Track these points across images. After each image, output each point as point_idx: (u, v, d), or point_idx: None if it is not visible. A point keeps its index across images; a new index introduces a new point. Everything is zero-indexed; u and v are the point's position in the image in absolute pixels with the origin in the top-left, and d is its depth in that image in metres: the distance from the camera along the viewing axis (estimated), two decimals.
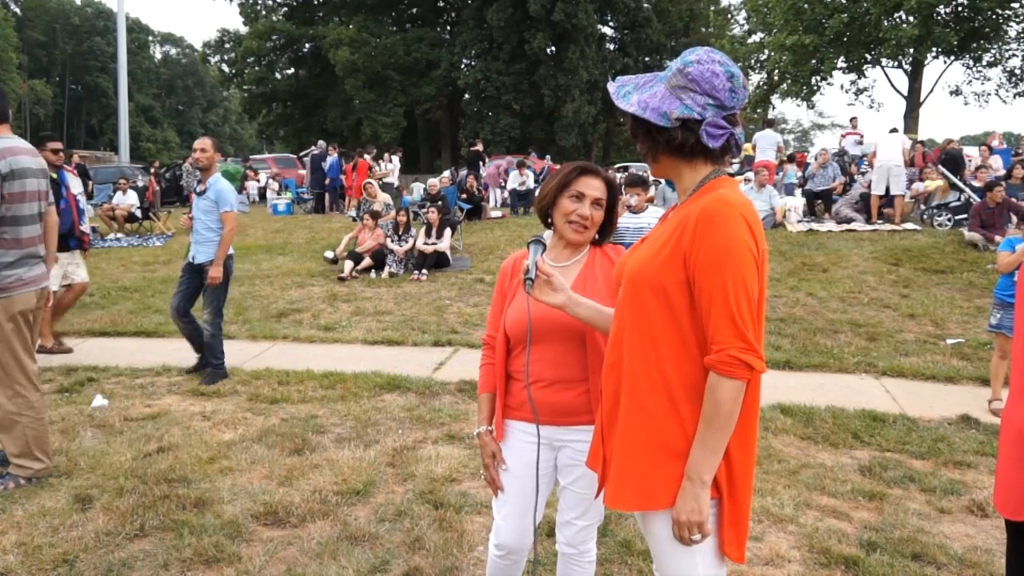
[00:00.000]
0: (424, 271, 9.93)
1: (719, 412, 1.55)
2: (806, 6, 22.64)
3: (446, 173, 19.37)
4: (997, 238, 9.46)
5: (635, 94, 1.70)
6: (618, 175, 23.69)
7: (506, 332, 2.23)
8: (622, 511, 1.67)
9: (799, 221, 12.44)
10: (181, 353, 5.84)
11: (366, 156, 17.53)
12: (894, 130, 13.48)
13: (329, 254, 11.06)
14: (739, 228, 1.55)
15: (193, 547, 3.15)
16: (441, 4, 40.66)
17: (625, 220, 5.80)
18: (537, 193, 2.37)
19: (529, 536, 2.27)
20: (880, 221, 12.12)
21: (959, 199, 11.84)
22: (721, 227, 1.55)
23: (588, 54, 34.56)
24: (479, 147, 20.93)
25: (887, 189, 12.08)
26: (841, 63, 24.38)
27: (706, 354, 1.57)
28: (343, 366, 6.04)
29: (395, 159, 20.31)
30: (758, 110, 28.91)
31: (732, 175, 13.39)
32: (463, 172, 19.22)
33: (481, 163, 19.70)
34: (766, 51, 25.13)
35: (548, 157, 23.81)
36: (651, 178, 22.72)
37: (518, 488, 2.22)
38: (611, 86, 1.75)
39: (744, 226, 1.56)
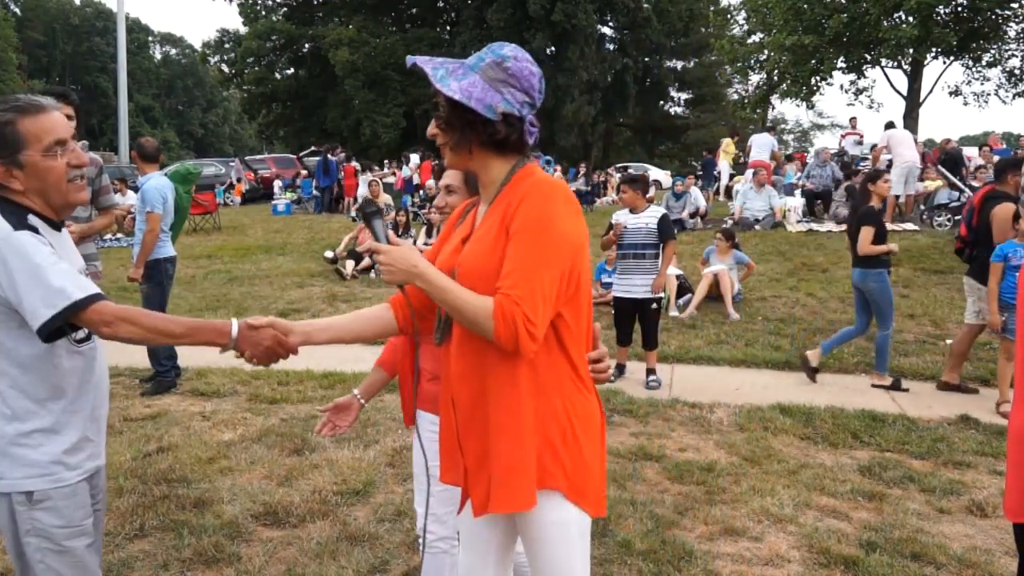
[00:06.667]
0: None
1: (458, 307, 1.56)
2: (806, 6, 22.58)
3: None
4: None
5: (452, 80, 1.63)
6: (617, 175, 23.70)
7: None
8: (516, 512, 1.65)
9: (799, 221, 12.44)
10: (182, 352, 5.84)
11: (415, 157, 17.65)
12: (891, 124, 13.53)
13: (329, 254, 11.07)
14: (559, 207, 1.60)
15: (193, 547, 3.15)
16: (441, 4, 40.64)
17: (623, 219, 5.80)
18: None
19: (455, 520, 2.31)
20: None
21: (959, 199, 11.84)
22: (542, 202, 1.59)
23: (588, 54, 34.54)
24: None
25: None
26: (841, 63, 24.32)
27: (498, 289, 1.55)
28: (343, 366, 6.04)
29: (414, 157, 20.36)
30: (758, 110, 28.87)
31: (694, 176, 13.22)
32: None
33: None
34: (766, 51, 25.04)
35: (552, 160, 23.58)
36: (651, 178, 22.61)
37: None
38: (424, 66, 1.64)
39: (566, 208, 1.61)
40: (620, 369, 5.99)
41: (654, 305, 5.76)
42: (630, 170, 25.26)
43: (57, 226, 1.86)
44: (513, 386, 1.63)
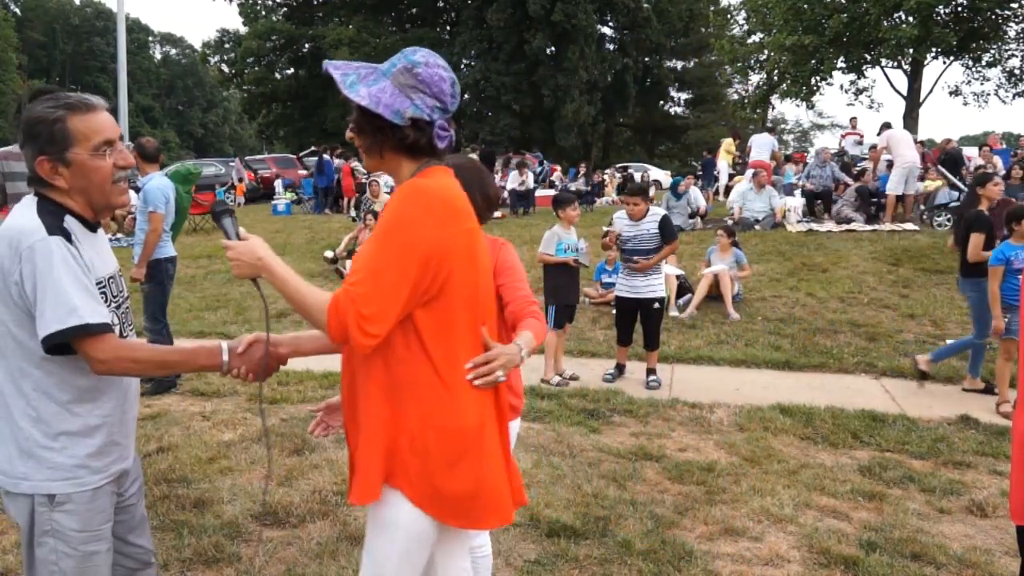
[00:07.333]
0: None
1: (297, 300, 1.62)
2: (806, 6, 22.59)
3: None
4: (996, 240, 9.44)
5: (362, 86, 1.68)
6: (617, 175, 23.69)
7: None
8: (358, 504, 1.73)
9: (799, 221, 12.43)
10: None
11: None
12: (888, 124, 13.57)
13: (329, 254, 11.07)
14: (417, 209, 1.60)
15: (193, 547, 3.15)
16: (441, 4, 40.66)
17: (624, 226, 5.78)
18: None
19: None
20: (882, 220, 12.10)
21: (959, 199, 11.83)
22: (400, 203, 1.61)
23: (588, 54, 34.55)
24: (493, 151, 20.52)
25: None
26: (841, 63, 24.33)
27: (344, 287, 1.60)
28: None
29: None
30: (758, 110, 28.87)
31: (693, 176, 13.22)
32: None
33: (492, 166, 19.25)
34: (766, 51, 25.07)
35: (545, 161, 23.52)
36: (651, 178, 22.56)
37: None
38: (334, 72, 1.70)
39: (426, 211, 1.60)
40: (620, 369, 5.99)
41: (656, 305, 5.76)
42: (630, 170, 25.27)
43: (93, 227, 1.85)
44: (369, 386, 1.68)
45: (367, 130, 1.70)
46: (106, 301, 1.80)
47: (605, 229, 5.92)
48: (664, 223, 5.71)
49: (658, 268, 5.80)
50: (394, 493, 1.68)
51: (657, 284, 5.77)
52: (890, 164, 12.51)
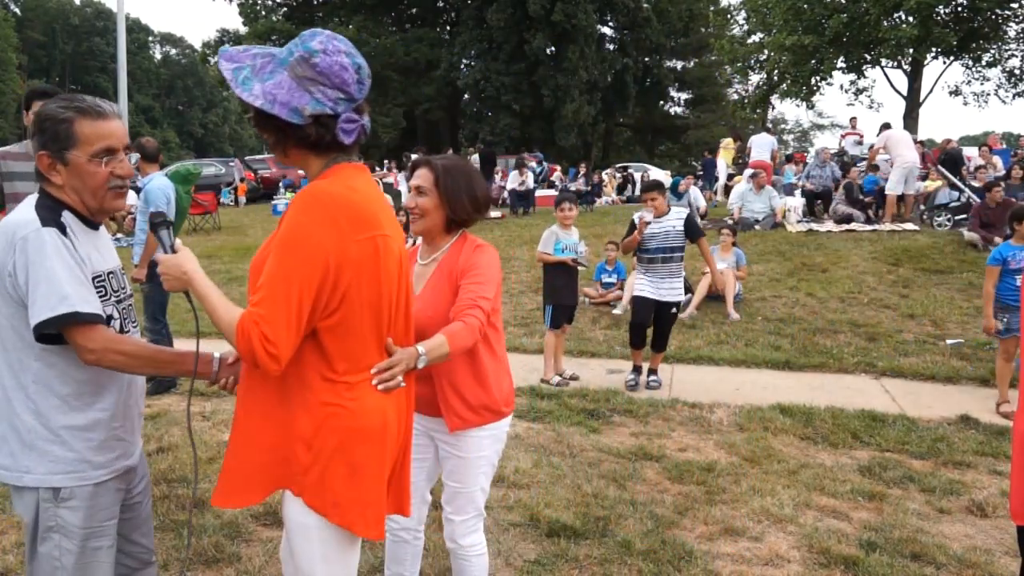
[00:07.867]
0: None
1: (213, 318, 1.57)
2: (806, 6, 22.62)
3: None
4: (996, 239, 9.45)
5: (256, 81, 1.57)
6: (617, 175, 23.67)
7: None
8: (217, 506, 1.75)
9: (799, 221, 12.43)
10: None
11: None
12: (887, 125, 13.61)
13: None
14: (314, 219, 1.53)
15: (193, 547, 3.15)
16: (441, 4, 40.65)
17: (648, 218, 5.70)
18: None
19: (417, 512, 2.46)
20: (881, 220, 12.10)
21: (959, 199, 11.84)
22: (296, 214, 1.54)
23: (588, 54, 34.55)
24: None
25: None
26: (841, 63, 24.36)
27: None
28: None
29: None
30: (758, 110, 28.88)
31: (694, 176, 13.09)
32: None
33: (493, 166, 19.09)
34: (766, 51, 25.11)
35: (543, 161, 23.48)
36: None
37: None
38: (225, 69, 1.58)
39: (324, 221, 1.53)
40: (638, 370, 5.85)
41: (673, 309, 5.71)
42: (630, 170, 25.25)
43: (94, 225, 1.87)
44: (257, 392, 1.66)
45: (268, 128, 1.61)
46: (106, 295, 1.81)
47: (635, 219, 5.71)
48: (690, 221, 5.64)
49: (680, 271, 5.72)
50: (296, 499, 1.67)
51: (679, 287, 5.70)
52: (877, 167, 12.55)
